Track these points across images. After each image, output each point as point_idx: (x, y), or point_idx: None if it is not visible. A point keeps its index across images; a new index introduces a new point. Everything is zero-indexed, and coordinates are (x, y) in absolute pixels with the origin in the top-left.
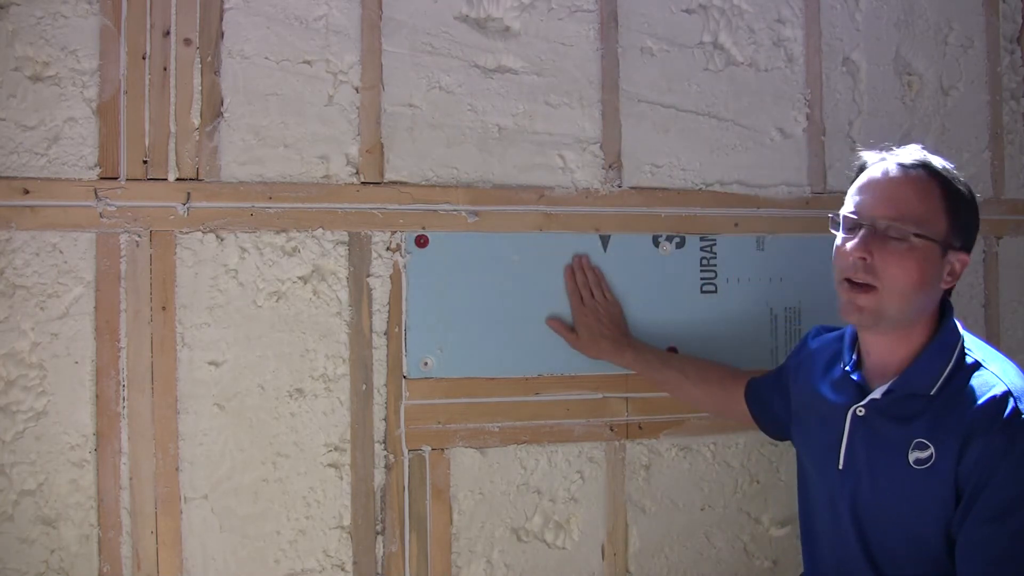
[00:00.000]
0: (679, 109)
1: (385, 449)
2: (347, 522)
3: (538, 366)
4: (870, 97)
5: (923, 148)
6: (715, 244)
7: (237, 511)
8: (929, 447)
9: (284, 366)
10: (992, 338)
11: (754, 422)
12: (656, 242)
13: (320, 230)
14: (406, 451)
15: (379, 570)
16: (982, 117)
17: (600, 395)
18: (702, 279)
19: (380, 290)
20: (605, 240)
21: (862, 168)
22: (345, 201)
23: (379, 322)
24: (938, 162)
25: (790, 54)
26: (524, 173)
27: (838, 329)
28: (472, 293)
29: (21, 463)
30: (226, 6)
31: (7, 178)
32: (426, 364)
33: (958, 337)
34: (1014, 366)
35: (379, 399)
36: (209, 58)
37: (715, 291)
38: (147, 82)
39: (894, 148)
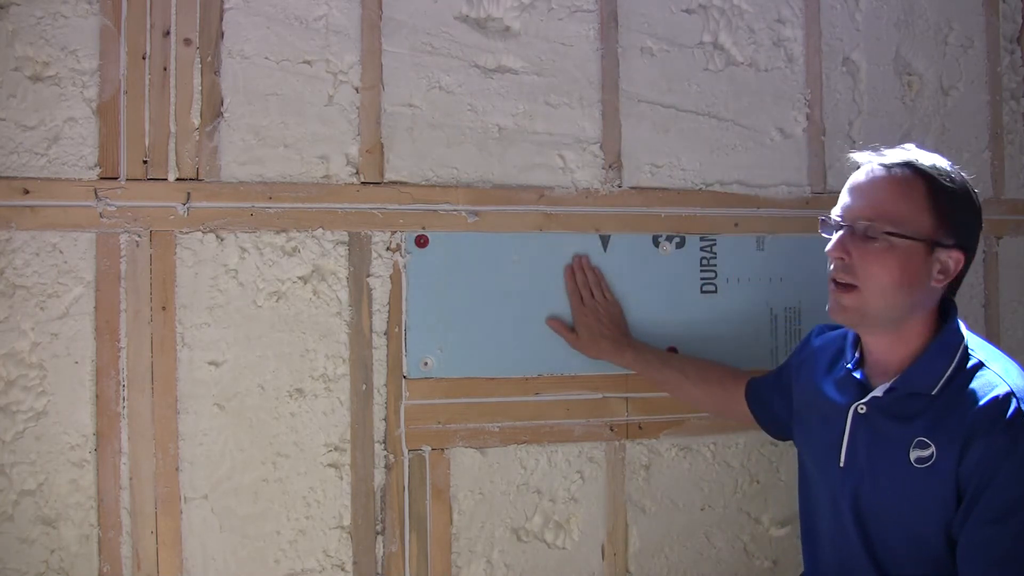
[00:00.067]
0: (679, 109)
1: (385, 449)
2: (347, 522)
3: (538, 366)
4: (870, 97)
5: (918, 147)
6: (715, 244)
7: (237, 511)
8: (930, 446)
9: (284, 366)
10: (992, 338)
11: (755, 422)
12: (656, 242)
13: (320, 230)
14: (406, 451)
15: (379, 570)
16: (982, 117)
17: (600, 395)
18: (702, 279)
19: (380, 290)
20: (605, 240)
21: (856, 170)
22: (345, 201)
23: (379, 322)
24: (927, 160)
25: (790, 54)
26: (524, 173)
27: (841, 328)
28: (472, 293)
29: (21, 463)
30: (226, 6)
31: (7, 178)
32: (426, 364)
33: (961, 338)
34: (1017, 366)
35: (379, 399)
36: (209, 58)
37: (715, 291)
38: (147, 82)
39: (883, 149)
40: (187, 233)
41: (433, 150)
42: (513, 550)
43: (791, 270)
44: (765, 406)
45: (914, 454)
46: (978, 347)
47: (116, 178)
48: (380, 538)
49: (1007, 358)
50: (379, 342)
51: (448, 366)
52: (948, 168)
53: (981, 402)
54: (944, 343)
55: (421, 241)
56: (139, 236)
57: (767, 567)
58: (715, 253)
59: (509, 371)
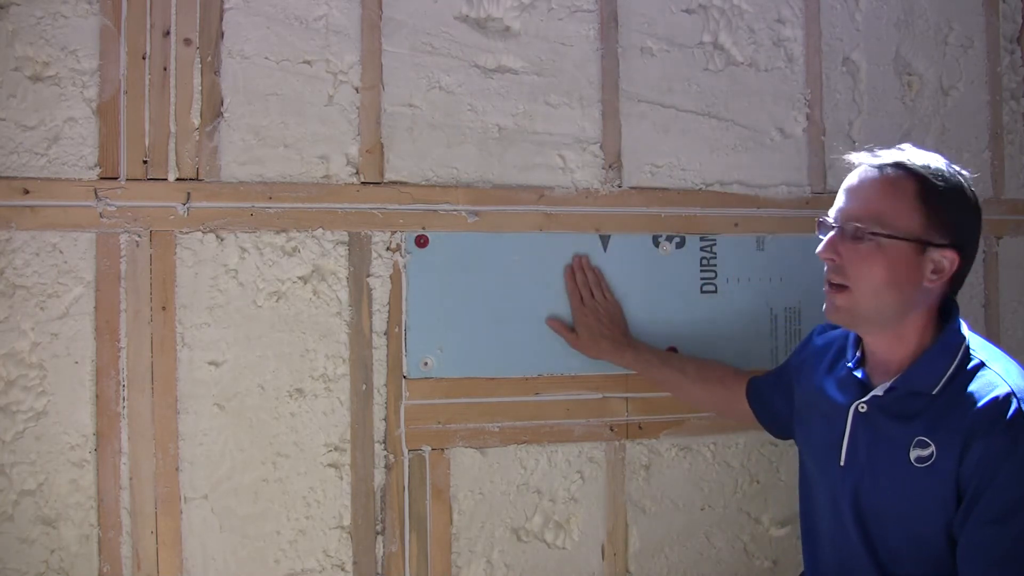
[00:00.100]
0: (679, 109)
1: (385, 449)
2: (347, 522)
3: (538, 366)
4: (870, 97)
5: (917, 147)
6: (715, 244)
7: (237, 511)
8: (930, 445)
9: (284, 366)
10: (992, 338)
11: (755, 420)
12: (656, 242)
13: (320, 230)
14: (406, 451)
15: (379, 570)
16: (982, 117)
17: (600, 395)
18: (702, 279)
19: (380, 290)
20: (605, 240)
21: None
22: (345, 201)
23: (379, 322)
24: (920, 159)
25: (790, 54)
26: (524, 173)
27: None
28: (472, 293)
29: (21, 463)
30: (226, 6)
31: (7, 178)
32: (426, 364)
33: (962, 338)
34: (1018, 367)
35: (379, 399)
36: (209, 58)
37: (715, 291)
38: (147, 82)
39: (877, 150)
40: (187, 233)
41: (433, 150)
42: (513, 550)
43: (791, 270)
44: (766, 404)
45: (914, 453)
46: (980, 347)
47: (116, 178)
48: (380, 538)
49: (1008, 358)
50: (379, 342)
51: (448, 366)
52: (943, 167)
53: (981, 402)
54: (945, 343)
55: (421, 241)
56: (139, 236)
57: (767, 567)
58: (715, 253)
59: (509, 371)
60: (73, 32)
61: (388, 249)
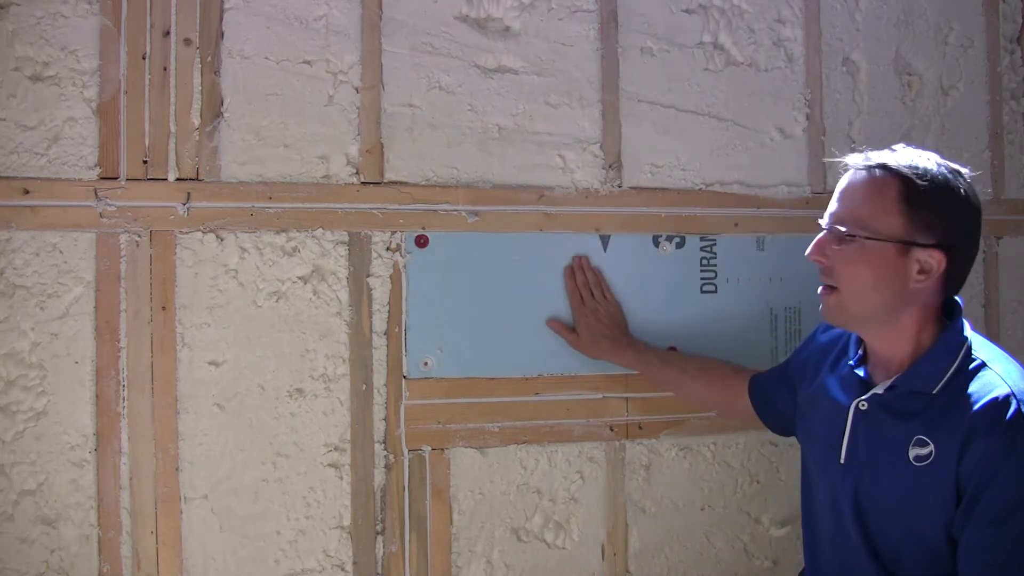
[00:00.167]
0: (679, 109)
1: (385, 449)
2: (347, 522)
3: (538, 366)
4: (870, 97)
5: (915, 147)
6: (715, 244)
7: (237, 511)
8: (929, 444)
9: (284, 366)
10: (992, 338)
11: (757, 418)
12: (656, 242)
13: (320, 230)
14: (406, 451)
15: (379, 570)
16: (982, 117)
17: (600, 395)
18: (702, 279)
19: (380, 290)
20: (605, 240)
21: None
22: (345, 201)
23: (379, 322)
24: (906, 160)
25: (790, 54)
26: (524, 173)
27: None
28: (472, 293)
29: (21, 463)
30: (226, 6)
31: (7, 178)
32: (426, 364)
33: (964, 338)
34: (1019, 368)
35: (379, 399)
36: (209, 58)
37: (715, 291)
38: (147, 82)
39: (868, 152)
40: (187, 233)
41: (433, 150)
42: (513, 550)
43: (791, 270)
44: (768, 401)
45: (913, 452)
46: (981, 347)
47: (116, 178)
48: (380, 538)
49: (1010, 359)
50: (379, 342)
51: (448, 366)
52: (931, 167)
53: (981, 402)
54: (947, 343)
55: (421, 241)
56: (139, 236)
57: (767, 567)
58: (715, 253)
59: (509, 371)
60: (73, 32)
61: (388, 249)
